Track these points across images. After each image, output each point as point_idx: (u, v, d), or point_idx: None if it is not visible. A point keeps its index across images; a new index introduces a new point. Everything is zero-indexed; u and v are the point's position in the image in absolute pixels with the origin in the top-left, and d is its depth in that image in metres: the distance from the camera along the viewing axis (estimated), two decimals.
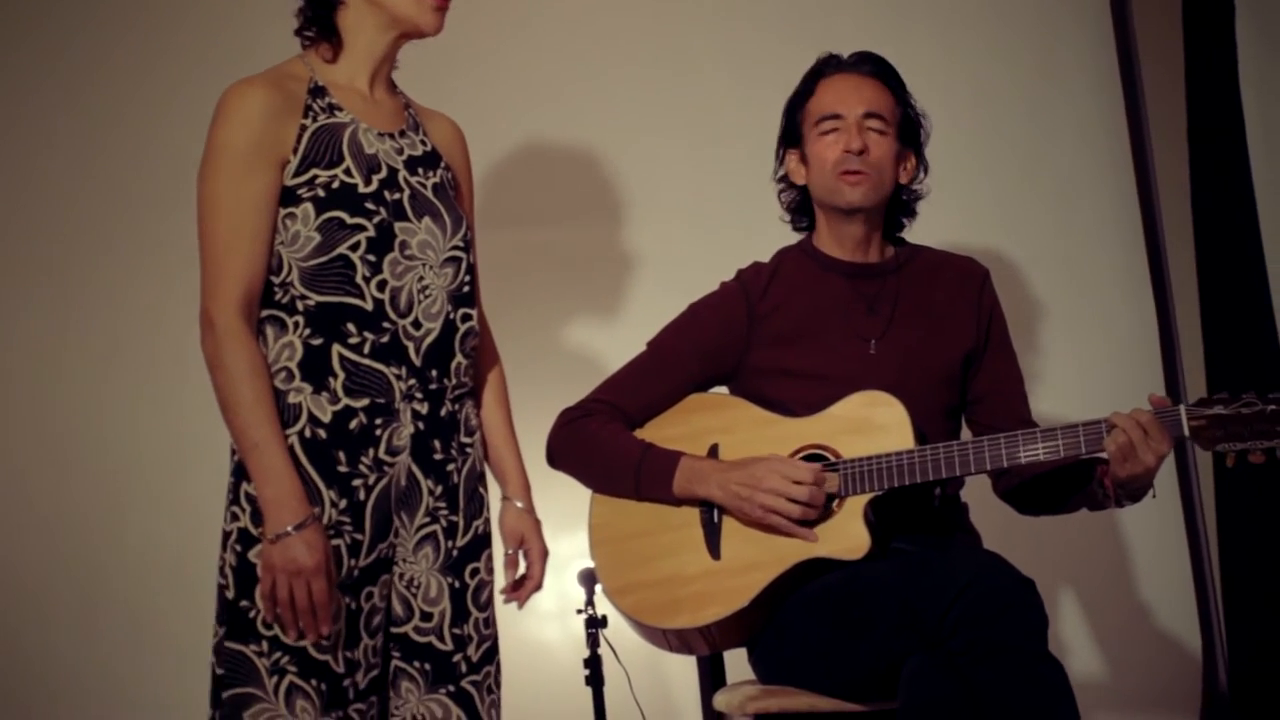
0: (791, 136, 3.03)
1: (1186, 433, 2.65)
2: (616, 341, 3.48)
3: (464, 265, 2.54)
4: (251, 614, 2.37)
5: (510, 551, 2.68)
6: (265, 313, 2.44)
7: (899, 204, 3.03)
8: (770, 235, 3.12)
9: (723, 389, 3.02)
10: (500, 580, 2.65)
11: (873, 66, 2.99)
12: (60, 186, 4.04)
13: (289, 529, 2.31)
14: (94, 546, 3.92)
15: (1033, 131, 4.09)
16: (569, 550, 3.24)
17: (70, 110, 4.06)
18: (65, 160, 4.05)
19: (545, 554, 2.70)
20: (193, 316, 2.40)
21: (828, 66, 3.01)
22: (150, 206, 3.98)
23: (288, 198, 2.43)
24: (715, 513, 2.82)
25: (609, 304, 3.99)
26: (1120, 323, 4.02)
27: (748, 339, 2.94)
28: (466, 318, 2.53)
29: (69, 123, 4.06)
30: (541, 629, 3.87)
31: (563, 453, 2.95)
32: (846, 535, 2.72)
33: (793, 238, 3.10)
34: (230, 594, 2.40)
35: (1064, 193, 4.07)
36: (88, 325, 4.00)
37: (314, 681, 2.37)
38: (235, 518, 2.40)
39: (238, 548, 2.39)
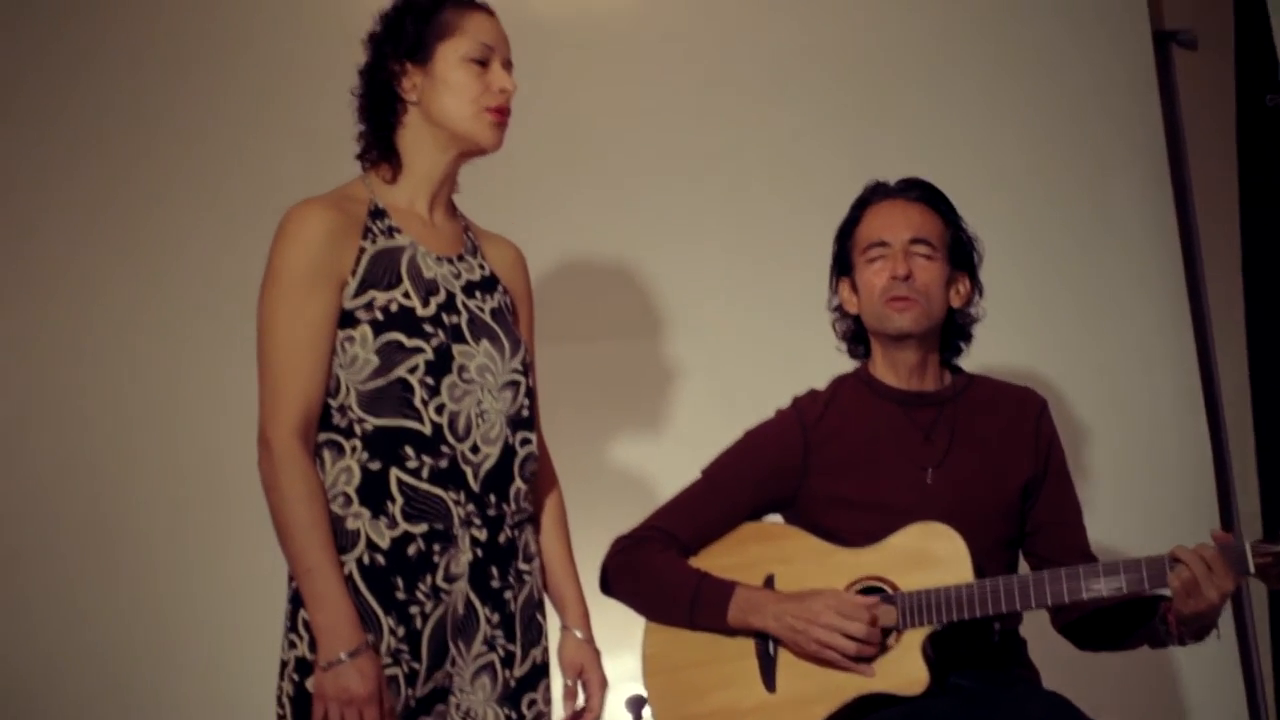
0: (843, 265, 3.01)
1: (1252, 570, 2.59)
2: (661, 458, 3.44)
3: (523, 389, 2.52)
4: None
5: (569, 683, 2.64)
6: (323, 436, 2.42)
7: (954, 328, 3.00)
8: (813, 348, 3.11)
9: (777, 517, 2.97)
10: (558, 711, 2.60)
11: (920, 192, 2.97)
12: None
13: (342, 656, 2.27)
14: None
15: (1082, 255, 4.05)
16: (617, 674, 3.15)
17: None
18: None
19: (605, 685, 2.66)
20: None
21: (874, 194, 2.99)
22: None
23: (346, 320, 2.42)
24: (771, 644, 2.77)
25: (653, 421, 3.95)
26: (1171, 451, 3.95)
27: (804, 467, 2.90)
28: (526, 442, 2.50)
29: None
30: None
31: (616, 580, 2.91)
32: (904, 670, 2.67)
33: (830, 350, 3.07)
34: None
35: (1113, 316, 4.02)
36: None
37: None
38: (293, 645, 2.36)
39: (295, 676, 2.35)
